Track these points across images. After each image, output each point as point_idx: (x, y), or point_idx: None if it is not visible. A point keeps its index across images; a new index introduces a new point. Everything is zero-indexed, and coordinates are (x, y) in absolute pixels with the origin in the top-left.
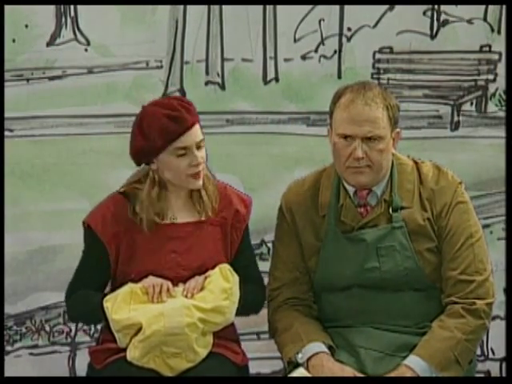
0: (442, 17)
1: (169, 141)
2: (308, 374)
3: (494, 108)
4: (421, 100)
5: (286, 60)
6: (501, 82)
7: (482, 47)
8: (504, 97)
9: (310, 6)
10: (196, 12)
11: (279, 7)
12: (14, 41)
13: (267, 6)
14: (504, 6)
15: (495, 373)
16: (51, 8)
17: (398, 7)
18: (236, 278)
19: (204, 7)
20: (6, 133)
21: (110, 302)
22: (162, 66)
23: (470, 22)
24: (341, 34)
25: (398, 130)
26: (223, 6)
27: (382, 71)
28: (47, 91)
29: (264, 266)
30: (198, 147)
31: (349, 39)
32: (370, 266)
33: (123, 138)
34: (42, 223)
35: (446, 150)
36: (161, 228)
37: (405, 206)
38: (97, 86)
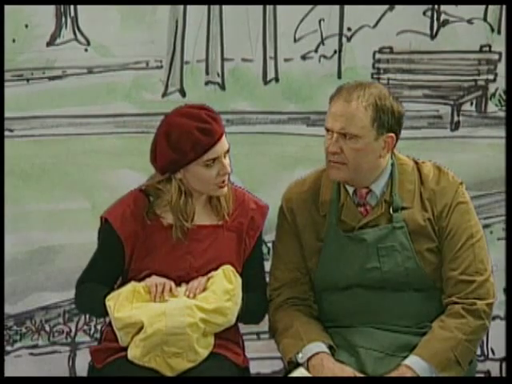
0: (442, 17)
1: (200, 154)
2: (308, 374)
3: (494, 108)
4: (421, 100)
5: (285, 60)
6: (501, 82)
7: (482, 47)
8: (504, 97)
9: (309, 6)
10: (196, 12)
11: (279, 7)
12: (14, 41)
13: (267, 6)
14: (504, 6)
15: (495, 373)
16: (51, 8)
17: (397, 7)
18: (239, 280)
19: (204, 7)
20: (6, 133)
21: (112, 300)
22: (161, 66)
23: (470, 22)
24: (341, 34)
25: (391, 134)
26: (223, 6)
27: (381, 71)
28: (47, 91)
29: (264, 266)
30: (225, 155)
31: (349, 39)
32: (371, 266)
33: (123, 138)
34: (42, 223)
35: (446, 150)
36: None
37: (405, 206)
38: (97, 86)
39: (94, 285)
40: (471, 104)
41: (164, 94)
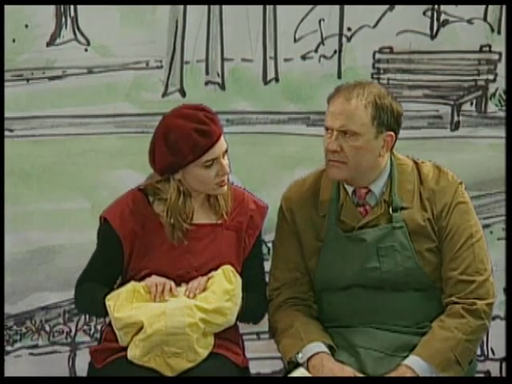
0: (442, 17)
1: (199, 155)
2: (308, 374)
3: (494, 108)
4: (421, 100)
5: (285, 60)
6: (501, 82)
7: (482, 47)
8: (504, 97)
9: (309, 6)
10: (196, 12)
11: (279, 7)
12: (14, 41)
13: (267, 6)
14: (504, 6)
15: (495, 373)
16: (51, 8)
17: (397, 7)
18: (239, 280)
19: (204, 7)
20: (6, 133)
21: (112, 300)
22: (162, 66)
23: (470, 22)
24: (341, 34)
25: (390, 133)
26: (223, 6)
27: (382, 71)
28: (47, 91)
29: (264, 266)
30: (223, 155)
31: (349, 39)
32: (371, 266)
33: (123, 138)
34: (42, 223)
35: (446, 150)
36: None
37: (405, 206)
38: (97, 86)
39: (94, 285)
40: (471, 104)
41: (164, 94)
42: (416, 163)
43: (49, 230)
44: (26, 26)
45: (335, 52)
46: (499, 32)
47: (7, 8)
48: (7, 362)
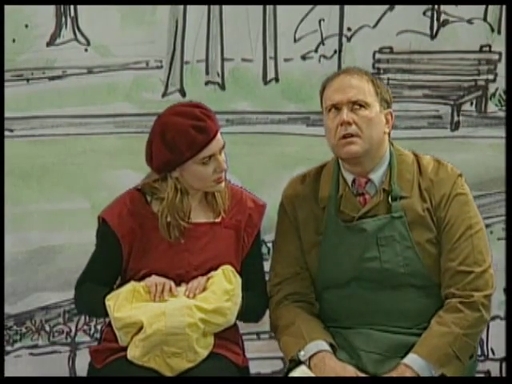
0: (442, 17)
1: (196, 152)
2: (310, 372)
3: (494, 108)
4: (421, 100)
5: (285, 60)
6: (501, 82)
7: (482, 47)
8: (504, 97)
9: (309, 6)
10: (196, 12)
11: (279, 7)
12: (14, 41)
13: (267, 6)
14: (504, 6)
15: (495, 373)
16: (51, 8)
17: (397, 7)
18: (239, 280)
19: (204, 7)
20: (6, 133)
21: (112, 300)
22: (161, 66)
23: (470, 22)
24: (341, 34)
25: (390, 110)
26: (223, 6)
27: (382, 71)
28: (47, 91)
29: (264, 267)
30: (220, 152)
31: (349, 39)
32: (370, 256)
33: (123, 138)
34: (42, 223)
35: (446, 149)
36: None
37: (404, 195)
38: (97, 86)
39: (94, 286)
40: (471, 104)
41: (164, 94)
42: (416, 156)
43: (49, 230)
44: (26, 26)
45: (335, 52)
46: (499, 32)
47: (7, 8)
48: (7, 362)
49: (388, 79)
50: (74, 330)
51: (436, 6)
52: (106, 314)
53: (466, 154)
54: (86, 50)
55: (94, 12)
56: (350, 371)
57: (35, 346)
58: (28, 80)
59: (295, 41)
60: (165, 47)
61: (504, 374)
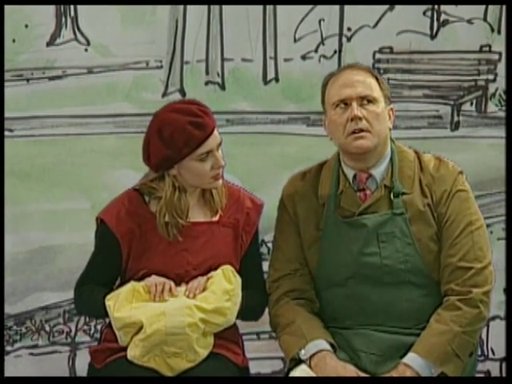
0: (442, 17)
1: (194, 148)
2: (310, 371)
3: (494, 108)
4: (421, 100)
5: (285, 60)
6: (501, 82)
7: (482, 47)
8: (504, 97)
9: (309, 6)
10: (196, 12)
11: (279, 7)
12: (14, 41)
13: (267, 6)
14: (504, 6)
15: (495, 373)
16: (51, 8)
17: (397, 7)
18: (238, 280)
19: (204, 7)
20: (6, 133)
21: (112, 300)
22: (161, 66)
23: (470, 22)
24: (341, 34)
25: (392, 106)
26: (223, 6)
27: (382, 71)
28: (47, 91)
29: (264, 267)
30: (217, 148)
31: (349, 39)
32: (370, 251)
33: (123, 138)
34: (42, 223)
35: (446, 149)
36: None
37: (405, 191)
38: (97, 86)
39: (93, 286)
40: (471, 104)
41: (164, 94)
42: (417, 153)
43: (49, 230)
44: (26, 26)
45: (335, 52)
46: (499, 32)
47: (7, 8)
48: (7, 362)
49: (388, 79)
50: (74, 330)
51: (436, 6)
52: (106, 316)
53: (466, 154)
54: (86, 50)
55: (94, 12)
56: (351, 371)
57: (35, 346)
58: (28, 80)
59: (295, 41)
60: (165, 47)
61: (504, 374)
